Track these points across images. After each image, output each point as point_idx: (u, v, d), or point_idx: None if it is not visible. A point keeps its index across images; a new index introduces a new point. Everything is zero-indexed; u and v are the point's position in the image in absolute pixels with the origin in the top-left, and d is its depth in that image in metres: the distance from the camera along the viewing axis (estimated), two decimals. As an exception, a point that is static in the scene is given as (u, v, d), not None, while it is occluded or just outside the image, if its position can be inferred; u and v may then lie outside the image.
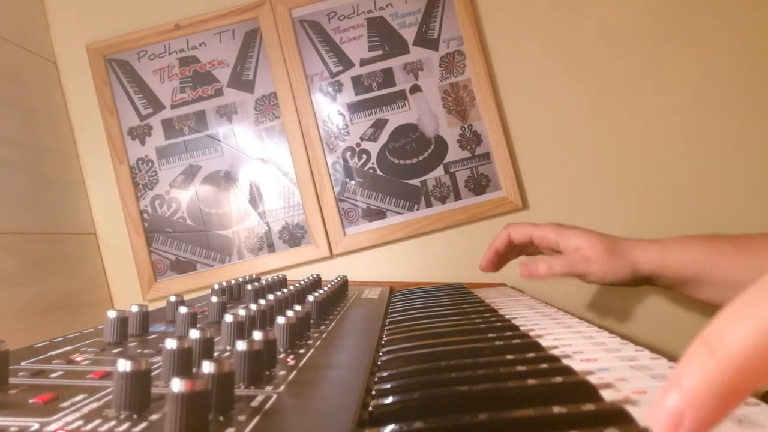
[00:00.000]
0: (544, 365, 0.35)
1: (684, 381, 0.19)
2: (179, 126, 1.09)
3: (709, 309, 0.67)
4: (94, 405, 0.28)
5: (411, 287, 0.93)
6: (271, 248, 1.06)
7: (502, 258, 0.79)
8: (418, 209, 1.05)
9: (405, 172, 1.06)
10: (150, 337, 0.46)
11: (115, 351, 0.41)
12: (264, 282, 0.68)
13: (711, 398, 0.18)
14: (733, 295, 0.19)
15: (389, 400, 0.31)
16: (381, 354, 0.43)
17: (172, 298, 0.54)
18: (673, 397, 0.19)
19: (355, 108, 1.07)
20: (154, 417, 0.26)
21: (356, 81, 1.08)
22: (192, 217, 1.07)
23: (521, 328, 0.49)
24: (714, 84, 1.05)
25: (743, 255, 0.61)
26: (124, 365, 0.26)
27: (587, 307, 1.02)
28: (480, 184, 1.05)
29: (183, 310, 0.45)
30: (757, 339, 0.18)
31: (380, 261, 1.06)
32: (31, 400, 0.29)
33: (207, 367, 0.26)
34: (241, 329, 0.41)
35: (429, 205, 1.05)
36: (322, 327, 0.50)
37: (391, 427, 0.27)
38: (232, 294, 0.70)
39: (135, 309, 0.47)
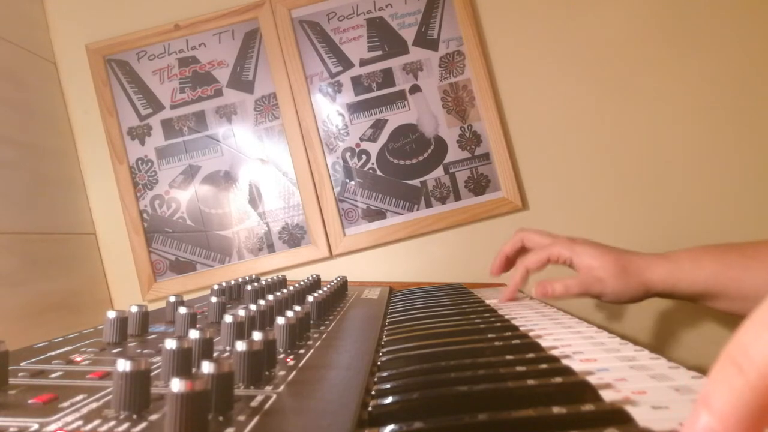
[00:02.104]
0: (544, 365, 0.35)
1: (713, 401, 0.19)
2: (179, 126, 1.09)
3: (709, 307, 0.67)
4: (94, 405, 0.28)
5: (411, 287, 0.93)
6: (271, 248, 1.06)
7: (509, 262, 0.79)
8: (417, 210, 1.05)
9: (405, 173, 1.06)
10: (149, 337, 0.46)
11: (115, 351, 0.41)
12: (264, 282, 0.68)
13: (744, 416, 0.18)
14: (748, 306, 0.19)
15: (389, 400, 0.31)
16: (381, 354, 0.43)
17: (172, 299, 0.54)
18: (705, 418, 0.19)
19: (354, 108, 1.07)
20: (153, 417, 0.26)
21: (356, 81, 1.08)
22: (192, 217, 1.07)
23: (521, 329, 0.49)
24: (715, 85, 1.05)
25: (754, 265, 0.61)
26: (123, 365, 0.26)
27: (587, 307, 1.02)
28: (480, 185, 1.05)
29: (183, 310, 0.45)
30: None
31: (380, 261, 1.05)
32: (30, 401, 0.28)
33: (206, 367, 0.26)
34: (241, 329, 0.40)
35: (429, 205, 1.05)
36: (322, 327, 0.50)
37: (391, 427, 0.27)
38: (232, 294, 0.70)
39: (134, 309, 0.47)
